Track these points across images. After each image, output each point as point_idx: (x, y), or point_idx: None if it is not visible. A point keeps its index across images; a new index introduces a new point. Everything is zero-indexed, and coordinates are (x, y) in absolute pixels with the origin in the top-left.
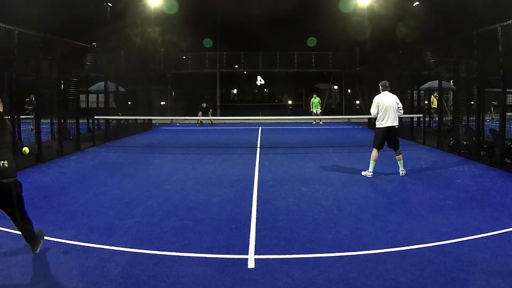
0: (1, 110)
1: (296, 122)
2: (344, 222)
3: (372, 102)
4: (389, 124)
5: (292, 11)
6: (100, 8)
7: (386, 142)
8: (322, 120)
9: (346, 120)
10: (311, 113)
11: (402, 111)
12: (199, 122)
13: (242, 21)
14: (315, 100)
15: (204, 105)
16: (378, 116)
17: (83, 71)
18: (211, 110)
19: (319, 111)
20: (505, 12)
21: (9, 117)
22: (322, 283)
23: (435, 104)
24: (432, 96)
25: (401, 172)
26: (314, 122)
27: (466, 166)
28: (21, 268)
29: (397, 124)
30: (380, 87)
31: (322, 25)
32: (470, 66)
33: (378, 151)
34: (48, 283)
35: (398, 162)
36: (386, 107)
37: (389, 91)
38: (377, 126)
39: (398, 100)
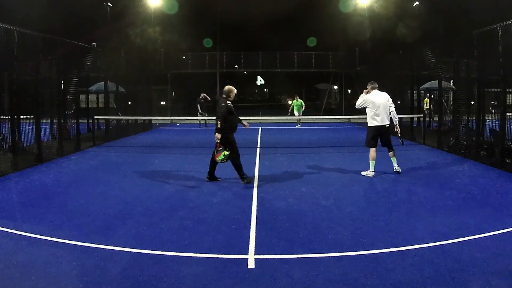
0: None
1: (296, 122)
2: (344, 222)
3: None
4: (380, 123)
5: (292, 11)
6: (100, 8)
7: (379, 141)
8: (320, 120)
9: (346, 120)
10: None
11: (393, 108)
12: (201, 121)
13: (242, 21)
14: (298, 102)
15: (202, 95)
16: (371, 114)
17: (83, 71)
18: (206, 108)
19: (300, 114)
20: (505, 12)
21: (9, 117)
22: (322, 283)
23: (427, 105)
24: (426, 97)
25: (395, 168)
26: (298, 126)
27: (466, 166)
28: (21, 268)
29: (388, 123)
30: (369, 87)
31: (322, 25)
32: (470, 66)
33: (375, 150)
34: (48, 283)
35: (391, 158)
36: (378, 106)
37: (379, 90)
38: (368, 125)
39: (389, 98)
